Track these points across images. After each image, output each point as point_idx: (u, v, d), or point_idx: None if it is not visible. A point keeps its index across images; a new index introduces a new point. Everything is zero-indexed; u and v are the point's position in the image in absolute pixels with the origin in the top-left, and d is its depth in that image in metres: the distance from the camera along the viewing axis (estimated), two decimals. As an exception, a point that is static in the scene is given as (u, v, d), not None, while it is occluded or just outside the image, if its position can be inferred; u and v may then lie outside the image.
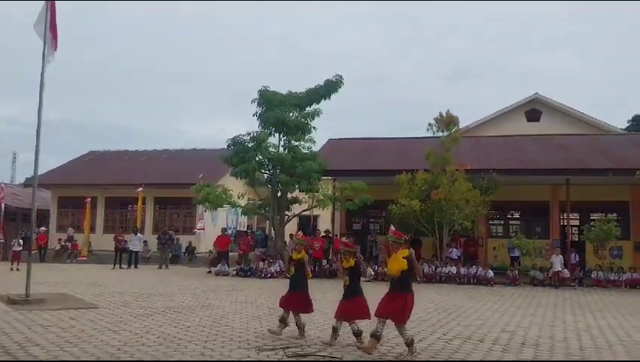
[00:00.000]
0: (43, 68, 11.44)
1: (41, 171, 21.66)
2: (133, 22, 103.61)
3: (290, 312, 8.00)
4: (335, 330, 7.39)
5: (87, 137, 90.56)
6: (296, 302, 7.98)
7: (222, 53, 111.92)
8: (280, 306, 8.12)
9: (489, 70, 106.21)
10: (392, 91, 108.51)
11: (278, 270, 18.93)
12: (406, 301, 6.74)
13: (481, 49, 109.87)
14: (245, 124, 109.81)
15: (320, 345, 7.24)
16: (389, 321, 6.83)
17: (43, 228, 26.09)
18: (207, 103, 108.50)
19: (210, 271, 20.06)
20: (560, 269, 17.88)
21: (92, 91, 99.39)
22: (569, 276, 17.80)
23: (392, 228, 7.39)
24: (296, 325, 7.93)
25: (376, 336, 6.73)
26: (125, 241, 23.20)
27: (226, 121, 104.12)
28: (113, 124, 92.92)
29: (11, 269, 20.05)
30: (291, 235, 21.80)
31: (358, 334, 7.21)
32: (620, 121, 41.29)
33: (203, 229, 25.62)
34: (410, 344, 6.64)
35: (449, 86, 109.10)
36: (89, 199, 26.96)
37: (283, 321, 7.95)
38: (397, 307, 6.69)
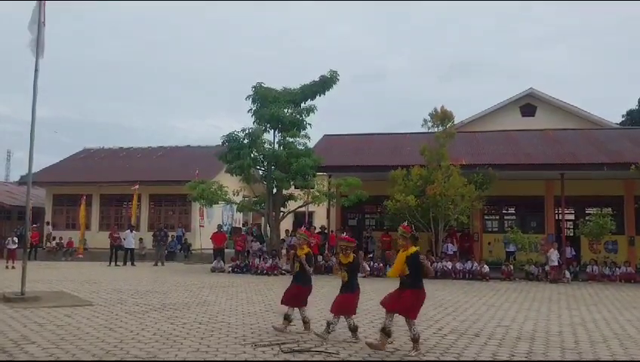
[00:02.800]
0: (36, 66, 11.38)
1: (35, 169, 21.65)
2: (127, 20, 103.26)
3: (295, 308, 8.02)
4: (329, 325, 7.40)
5: (81, 135, 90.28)
6: (300, 296, 8.01)
7: (215, 50, 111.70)
8: (282, 303, 8.12)
9: (484, 66, 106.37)
10: (386, 88, 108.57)
11: (273, 264, 18.91)
12: (417, 297, 6.73)
13: (475, 45, 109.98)
14: (240, 120, 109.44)
15: (316, 341, 7.25)
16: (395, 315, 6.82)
17: (34, 225, 26.04)
18: (201, 100, 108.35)
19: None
20: (557, 264, 17.92)
21: (86, 89, 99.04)
22: (567, 276, 17.80)
23: (405, 223, 7.41)
24: (303, 321, 7.94)
25: (385, 332, 6.69)
26: (121, 239, 23.16)
27: (220, 118, 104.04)
28: (107, 121, 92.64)
29: (7, 267, 20.01)
30: (287, 231, 21.86)
31: (353, 329, 7.29)
32: (614, 116, 41.35)
33: (203, 226, 25.69)
34: (416, 340, 6.62)
35: (443, 82, 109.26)
36: (84, 197, 26.91)
37: (287, 319, 7.95)
38: (407, 303, 6.67)
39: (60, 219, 29.13)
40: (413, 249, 6.82)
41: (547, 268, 18.05)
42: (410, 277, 6.73)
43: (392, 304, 6.77)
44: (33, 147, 11.51)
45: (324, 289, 12.88)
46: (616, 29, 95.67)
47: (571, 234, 22.24)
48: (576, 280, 17.96)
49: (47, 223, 28.06)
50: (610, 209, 21.15)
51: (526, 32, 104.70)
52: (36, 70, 11.38)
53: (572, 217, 23.07)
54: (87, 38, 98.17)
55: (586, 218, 20.30)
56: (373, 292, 12.15)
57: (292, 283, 8.21)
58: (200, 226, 25.60)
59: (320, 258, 19.80)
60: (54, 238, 27.02)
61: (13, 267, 19.75)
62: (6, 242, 21.95)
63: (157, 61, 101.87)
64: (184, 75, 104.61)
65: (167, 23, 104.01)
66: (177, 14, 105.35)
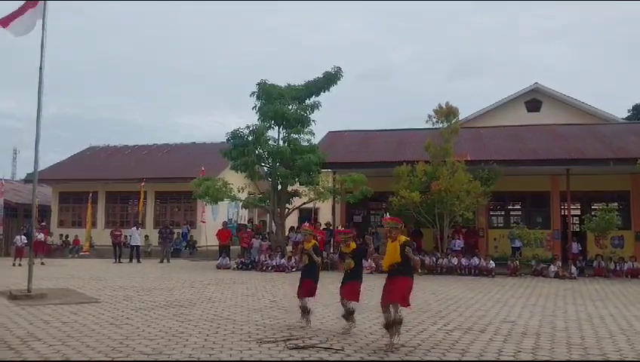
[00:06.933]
0: (41, 63, 11.40)
1: (41, 167, 21.75)
2: (131, 16, 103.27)
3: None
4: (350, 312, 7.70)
5: (86, 132, 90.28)
6: (308, 288, 8.25)
7: (217, 47, 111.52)
8: (300, 297, 8.28)
9: (489, 62, 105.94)
10: (391, 84, 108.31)
11: (279, 263, 18.93)
12: (410, 285, 6.90)
13: (478, 41, 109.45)
14: (244, 117, 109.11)
15: (321, 337, 7.26)
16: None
17: (42, 224, 26.15)
18: (206, 97, 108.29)
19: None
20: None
21: (90, 86, 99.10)
22: (573, 271, 17.78)
23: (387, 215, 7.56)
24: (302, 310, 8.19)
25: (397, 321, 6.75)
26: (123, 236, 23.22)
27: (224, 115, 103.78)
28: (112, 118, 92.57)
29: (14, 265, 20.13)
30: (292, 228, 21.86)
31: (350, 312, 7.69)
32: (620, 111, 41.07)
33: (204, 222, 25.75)
34: (399, 323, 6.75)
35: (447, 78, 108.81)
36: (91, 194, 27.01)
37: (305, 311, 8.18)
38: (403, 291, 6.80)
39: (65, 217, 29.26)
40: (403, 238, 6.97)
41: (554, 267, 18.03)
42: (402, 265, 6.87)
43: (388, 297, 6.87)
44: (39, 145, 11.57)
45: (330, 286, 12.86)
46: (619, 24, 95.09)
47: (577, 230, 22.16)
48: (582, 276, 17.90)
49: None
50: (616, 204, 21.03)
51: (529, 27, 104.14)
52: (41, 68, 11.41)
53: (578, 212, 22.96)
54: (87, 34, 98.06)
55: (592, 213, 20.20)
56: (378, 287, 12.13)
57: (305, 277, 8.36)
58: (201, 222, 25.66)
59: (325, 254, 19.79)
60: (60, 235, 27.13)
61: (20, 264, 19.87)
62: (14, 240, 22.07)
63: (161, 57, 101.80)
64: (185, 71, 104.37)
65: (171, 18, 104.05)
66: (178, 10, 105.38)
